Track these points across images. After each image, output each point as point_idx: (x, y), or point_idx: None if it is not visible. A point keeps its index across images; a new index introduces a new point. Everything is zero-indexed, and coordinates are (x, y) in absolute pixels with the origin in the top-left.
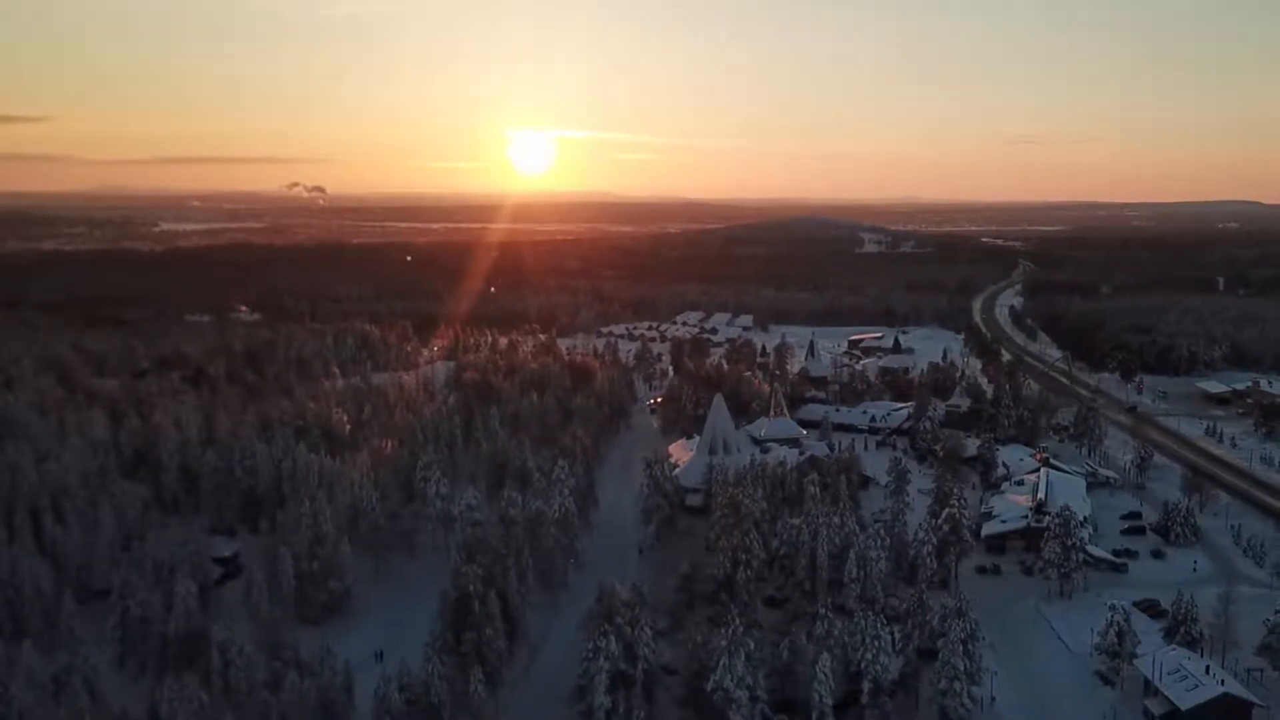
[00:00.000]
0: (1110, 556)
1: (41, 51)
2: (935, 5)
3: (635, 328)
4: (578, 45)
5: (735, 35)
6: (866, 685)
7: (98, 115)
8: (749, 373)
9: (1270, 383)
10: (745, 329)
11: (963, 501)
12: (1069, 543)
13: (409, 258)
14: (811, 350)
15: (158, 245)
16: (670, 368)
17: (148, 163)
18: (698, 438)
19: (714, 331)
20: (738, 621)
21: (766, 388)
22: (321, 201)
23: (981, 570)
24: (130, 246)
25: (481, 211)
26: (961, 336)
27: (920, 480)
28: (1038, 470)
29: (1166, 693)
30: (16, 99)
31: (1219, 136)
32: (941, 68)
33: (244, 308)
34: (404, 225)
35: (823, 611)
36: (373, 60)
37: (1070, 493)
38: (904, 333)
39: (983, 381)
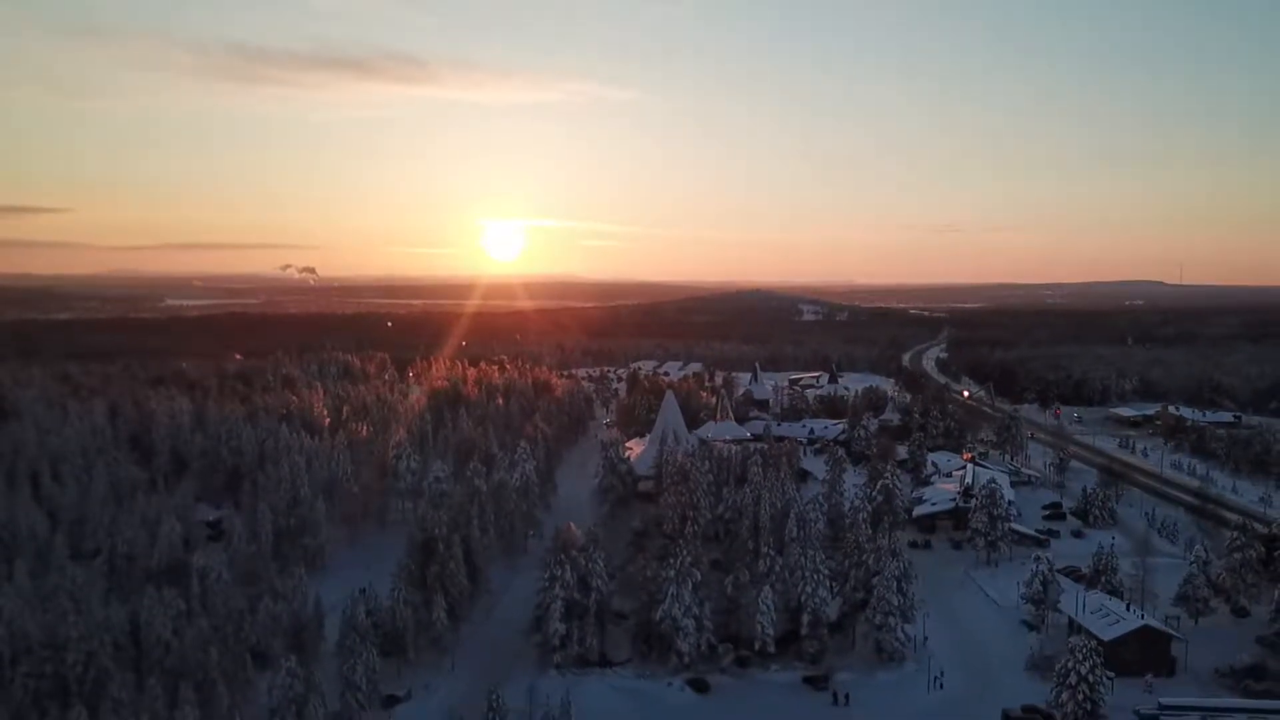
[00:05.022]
0: (1034, 533)
1: (65, 150)
2: (870, 111)
3: (594, 371)
4: (546, 143)
5: (690, 135)
6: (806, 618)
7: (112, 206)
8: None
9: (1178, 409)
10: (695, 373)
11: (896, 476)
12: (995, 513)
13: (389, 323)
14: (755, 375)
15: (161, 315)
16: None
17: (155, 248)
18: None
19: (666, 374)
20: (685, 554)
21: (714, 401)
22: (312, 281)
23: (913, 545)
24: (136, 316)
25: (458, 290)
26: (893, 380)
27: (855, 479)
28: (965, 468)
29: (1089, 628)
30: (42, 192)
31: (1126, 223)
32: (877, 164)
33: (239, 356)
34: (387, 301)
35: (765, 550)
36: (360, 157)
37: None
38: (840, 376)
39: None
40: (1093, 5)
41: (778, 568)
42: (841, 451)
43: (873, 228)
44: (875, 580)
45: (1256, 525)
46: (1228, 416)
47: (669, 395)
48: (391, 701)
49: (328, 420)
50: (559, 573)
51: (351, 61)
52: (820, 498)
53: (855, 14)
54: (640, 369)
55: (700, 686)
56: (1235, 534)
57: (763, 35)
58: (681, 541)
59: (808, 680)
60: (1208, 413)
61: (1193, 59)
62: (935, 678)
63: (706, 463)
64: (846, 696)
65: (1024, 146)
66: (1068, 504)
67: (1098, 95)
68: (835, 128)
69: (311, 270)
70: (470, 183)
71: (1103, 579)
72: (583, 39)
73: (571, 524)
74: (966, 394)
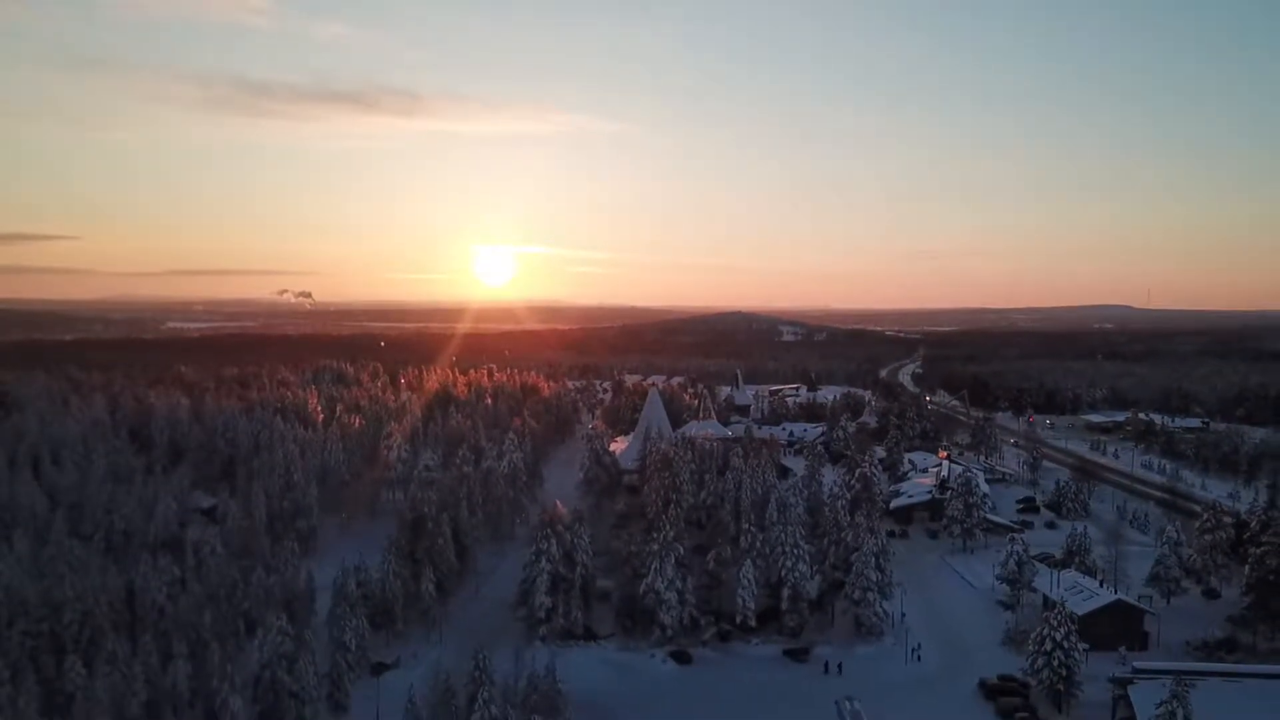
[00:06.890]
0: (1008, 523)
1: (73, 179)
2: (847, 143)
3: (580, 383)
4: (536, 173)
5: (674, 165)
6: (786, 593)
7: (117, 233)
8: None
9: (1148, 415)
10: (679, 383)
11: (875, 465)
12: (971, 501)
13: (382, 343)
14: (737, 382)
15: (162, 336)
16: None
17: (159, 274)
18: None
19: (652, 384)
20: (669, 529)
21: (697, 403)
22: (308, 305)
23: (891, 534)
24: (139, 337)
25: (450, 314)
26: (869, 393)
27: (833, 476)
28: (941, 464)
29: (1064, 604)
30: (50, 219)
31: (1096, 249)
32: (853, 193)
33: (237, 369)
34: (381, 325)
35: (746, 526)
36: (356, 186)
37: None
38: (818, 387)
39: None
40: (1063, 38)
41: (759, 544)
42: (821, 449)
43: (849, 254)
44: (854, 557)
45: (1225, 519)
46: (1196, 422)
47: (653, 392)
48: (380, 669)
49: (322, 416)
50: (545, 546)
51: (350, 95)
52: (800, 484)
53: (833, 49)
54: (625, 380)
55: (683, 658)
56: (1206, 516)
57: (744, 70)
58: (664, 519)
59: (788, 653)
60: (1176, 418)
61: (1158, 92)
62: (913, 650)
63: (689, 453)
64: (839, 666)
65: (996, 175)
66: (1041, 499)
67: (1069, 127)
68: (813, 158)
69: (308, 294)
70: (462, 211)
71: (1076, 560)
72: (571, 74)
73: (558, 502)
74: (929, 400)
